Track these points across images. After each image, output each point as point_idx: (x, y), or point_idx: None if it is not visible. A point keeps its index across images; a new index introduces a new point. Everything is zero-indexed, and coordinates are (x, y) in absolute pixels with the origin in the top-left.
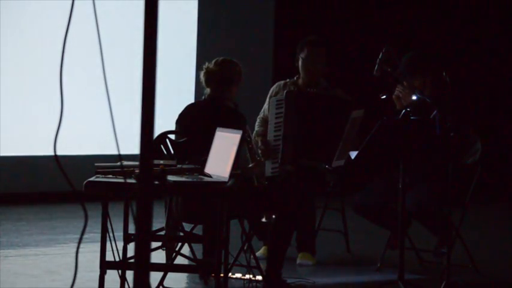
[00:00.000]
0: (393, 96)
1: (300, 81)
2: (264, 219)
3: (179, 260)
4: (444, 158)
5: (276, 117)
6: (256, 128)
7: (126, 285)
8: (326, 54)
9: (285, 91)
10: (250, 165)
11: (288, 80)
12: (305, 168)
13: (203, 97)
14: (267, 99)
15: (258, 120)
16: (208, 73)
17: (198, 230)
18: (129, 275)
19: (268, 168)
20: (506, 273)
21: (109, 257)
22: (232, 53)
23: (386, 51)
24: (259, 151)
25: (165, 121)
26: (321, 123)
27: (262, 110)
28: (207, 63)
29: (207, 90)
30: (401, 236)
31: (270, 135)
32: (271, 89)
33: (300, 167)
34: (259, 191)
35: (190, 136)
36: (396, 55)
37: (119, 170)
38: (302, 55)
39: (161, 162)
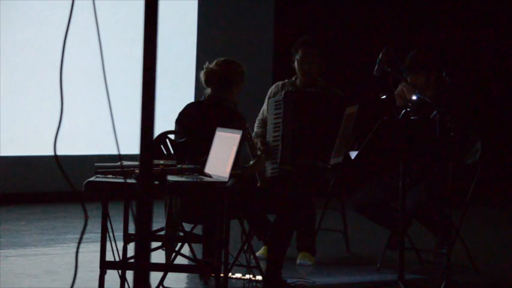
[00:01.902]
0: (396, 92)
1: (298, 81)
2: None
3: (179, 260)
4: (444, 158)
5: (275, 118)
6: (255, 129)
7: (126, 285)
8: (320, 53)
9: (283, 92)
10: (250, 163)
11: (286, 80)
12: (304, 168)
13: (203, 97)
14: (266, 100)
15: (257, 121)
16: (208, 72)
17: (198, 230)
18: (129, 275)
19: (268, 169)
20: (506, 273)
21: (109, 257)
22: (232, 53)
23: (386, 51)
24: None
25: (165, 121)
26: (318, 123)
27: (261, 111)
28: (207, 63)
29: (207, 90)
30: (401, 236)
31: (269, 136)
32: (270, 90)
33: (299, 167)
34: (261, 191)
35: (190, 136)
36: (396, 55)
37: (119, 170)
38: (297, 56)
39: (161, 162)
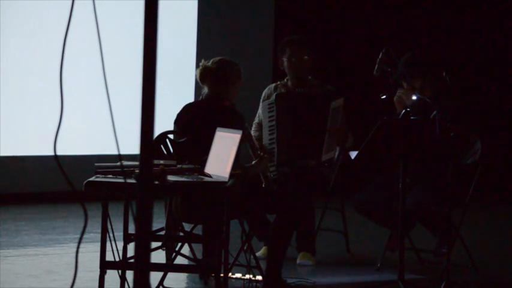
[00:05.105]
0: (394, 100)
1: (290, 82)
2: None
3: (179, 260)
4: (444, 158)
5: (269, 121)
6: (252, 133)
7: (126, 285)
8: (307, 50)
9: (275, 94)
10: (253, 163)
11: (278, 82)
12: (302, 168)
13: (201, 97)
14: (260, 103)
15: (254, 125)
16: (204, 70)
17: (198, 230)
18: (129, 275)
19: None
20: (506, 273)
21: (109, 257)
22: (232, 53)
23: (386, 51)
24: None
25: (165, 121)
26: (311, 122)
27: (257, 114)
28: (203, 60)
29: (205, 90)
30: (401, 236)
31: (265, 139)
32: (263, 93)
33: (297, 168)
34: (262, 191)
35: (189, 136)
36: (396, 55)
37: (119, 170)
38: (285, 56)
39: (161, 162)
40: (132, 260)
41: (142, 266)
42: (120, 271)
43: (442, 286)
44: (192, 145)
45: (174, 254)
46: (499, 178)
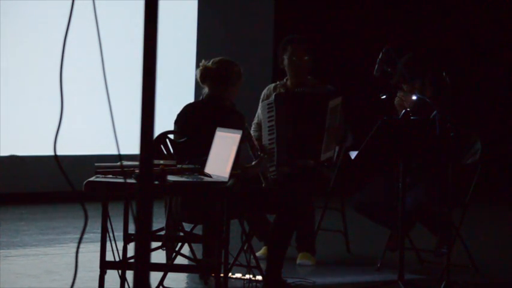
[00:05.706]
0: (395, 103)
1: (289, 82)
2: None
3: (179, 260)
4: (444, 158)
5: (269, 121)
6: (252, 133)
7: (126, 285)
8: (307, 50)
9: (274, 94)
10: (253, 163)
11: (278, 82)
12: (301, 168)
13: (201, 97)
14: (260, 104)
15: (253, 125)
16: (204, 70)
17: (198, 230)
18: (129, 275)
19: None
20: (506, 273)
21: (109, 257)
22: (232, 54)
23: (386, 51)
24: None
25: (165, 121)
26: (310, 122)
27: (257, 114)
28: (203, 61)
29: (205, 90)
30: (401, 236)
31: (265, 139)
32: (263, 93)
33: (296, 168)
34: (266, 191)
35: (189, 136)
36: (396, 55)
37: (119, 170)
38: (286, 54)
39: (161, 162)
40: (132, 260)
41: (142, 266)
42: (120, 271)
43: (442, 286)
44: (192, 145)
45: (174, 254)
46: (499, 178)
